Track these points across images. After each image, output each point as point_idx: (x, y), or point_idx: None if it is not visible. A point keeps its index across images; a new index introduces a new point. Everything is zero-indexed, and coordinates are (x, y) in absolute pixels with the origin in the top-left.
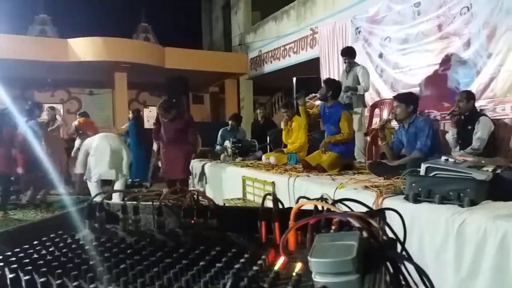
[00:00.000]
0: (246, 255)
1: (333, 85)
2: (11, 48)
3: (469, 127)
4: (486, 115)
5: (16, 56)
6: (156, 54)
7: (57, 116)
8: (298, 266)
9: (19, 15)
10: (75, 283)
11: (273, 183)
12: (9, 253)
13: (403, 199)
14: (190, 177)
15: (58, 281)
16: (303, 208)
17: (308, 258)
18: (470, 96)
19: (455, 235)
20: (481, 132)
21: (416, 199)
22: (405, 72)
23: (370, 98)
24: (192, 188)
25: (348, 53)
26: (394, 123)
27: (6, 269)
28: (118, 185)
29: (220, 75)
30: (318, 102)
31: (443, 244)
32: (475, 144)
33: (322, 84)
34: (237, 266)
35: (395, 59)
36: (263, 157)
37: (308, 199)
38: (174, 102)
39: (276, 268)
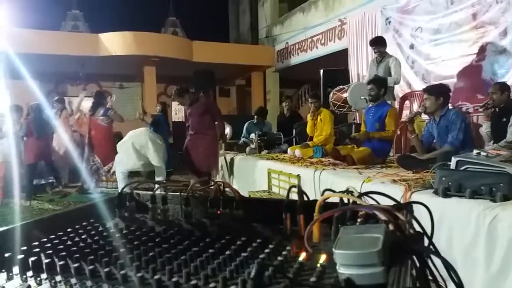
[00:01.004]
0: (271, 246)
1: (383, 83)
2: (45, 44)
3: (504, 120)
4: None
5: (50, 51)
6: (184, 48)
7: (67, 106)
8: (323, 257)
9: (53, 11)
10: (107, 269)
11: (298, 176)
12: (45, 239)
13: (432, 193)
14: (216, 169)
15: (91, 267)
16: (328, 200)
17: (333, 249)
18: (504, 88)
19: (486, 230)
20: None
21: (446, 194)
22: (437, 63)
23: (400, 90)
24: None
25: (378, 42)
26: (424, 116)
27: (42, 255)
28: (159, 178)
29: (247, 68)
30: (345, 95)
31: (473, 240)
32: (509, 136)
33: (371, 86)
34: (262, 256)
35: (427, 50)
36: (289, 150)
37: (334, 191)
38: (186, 88)
39: (300, 259)
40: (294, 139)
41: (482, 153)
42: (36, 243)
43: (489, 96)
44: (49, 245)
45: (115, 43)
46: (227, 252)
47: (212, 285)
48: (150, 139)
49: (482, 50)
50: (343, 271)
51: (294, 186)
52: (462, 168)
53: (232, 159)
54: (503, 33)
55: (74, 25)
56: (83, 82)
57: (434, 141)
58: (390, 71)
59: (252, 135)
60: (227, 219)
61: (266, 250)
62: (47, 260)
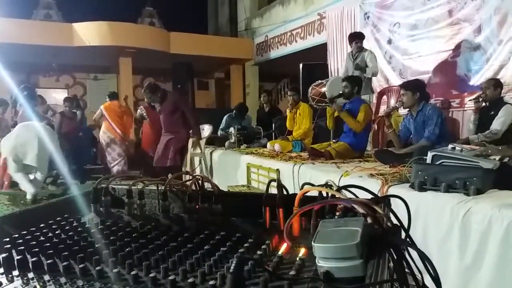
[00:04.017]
0: (250, 240)
1: (356, 81)
2: (16, 33)
3: (492, 113)
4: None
5: (21, 41)
6: (161, 39)
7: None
8: (302, 251)
9: None
10: (81, 265)
11: (277, 170)
12: (17, 235)
13: (408, 187)
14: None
15: (65, 263)
16: (307, 194)
17: (312, 243)
18: (497, 84)
19: (460, 223)
20: (504, 118)
21: (422, 187)
22: (414, 58)
23: (378, 84)
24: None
25: (358, 36)
26: (402, 111)
27: (14, 251)
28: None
29: (226, 60)
30: (324, 89)
31: (447, 232)
32: (495, 126)
33: (345, 83)
34: (241, 250)
35: (404, 46)
36: (268, 144)
37: (313, 185)
38: (157, 84)
39: (279, 252)
40: (273, 133)
41: (457, 148)
42: (7, 239)
43: (482, 90)
44: (21, 241)
45: (89, 33)
46: (206, 247)
47: (190, 280)
48: (31, 135)
49: (457, 46)
50: (322, 264)
51: (274, 180)
52: (437, 163)
53: (211, 153)
54: (477, 30)
55: (47, 13)
56: (56, 74)
57: (411, 135)
58: (367, 64)
59: (231, 129)
60: (206, 214)
61: (246, 244)
62: (18, 257)
